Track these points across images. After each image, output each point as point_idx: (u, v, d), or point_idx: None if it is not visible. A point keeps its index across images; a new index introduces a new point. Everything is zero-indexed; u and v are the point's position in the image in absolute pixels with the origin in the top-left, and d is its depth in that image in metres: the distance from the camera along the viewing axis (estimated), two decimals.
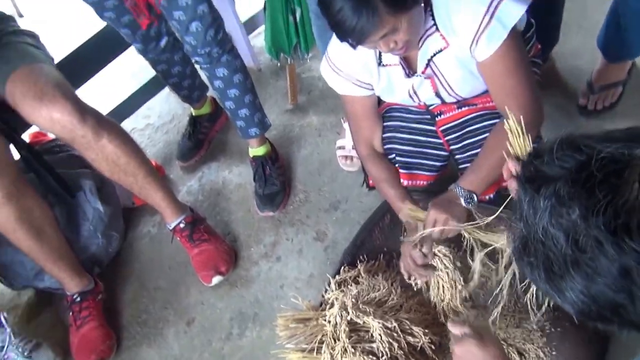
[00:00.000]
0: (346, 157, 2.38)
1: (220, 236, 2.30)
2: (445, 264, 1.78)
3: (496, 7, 1.47)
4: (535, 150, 0.87)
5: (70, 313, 2.17)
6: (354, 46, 1.48)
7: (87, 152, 1.98)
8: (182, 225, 2.21)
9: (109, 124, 2.01)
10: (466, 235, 1.72)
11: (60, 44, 2.61)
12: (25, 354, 2.05)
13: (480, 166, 1.66)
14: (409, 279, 1.84)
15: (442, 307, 1.83)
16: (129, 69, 3.06)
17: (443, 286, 1.81)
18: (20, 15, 3.98)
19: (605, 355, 1.70)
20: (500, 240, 1.73)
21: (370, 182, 2.00)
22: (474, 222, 1.61)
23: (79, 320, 2.14)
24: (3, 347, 2.02)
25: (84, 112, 1.89)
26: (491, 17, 1.47)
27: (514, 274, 1.73)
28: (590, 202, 0.74)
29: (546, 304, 1.74)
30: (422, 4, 1.50)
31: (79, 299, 2.16)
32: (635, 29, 2.06)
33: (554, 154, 0.81)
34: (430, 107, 1.82)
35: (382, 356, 1.64)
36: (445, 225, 1.64)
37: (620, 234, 0.71)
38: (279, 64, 2.60)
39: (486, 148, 1.67)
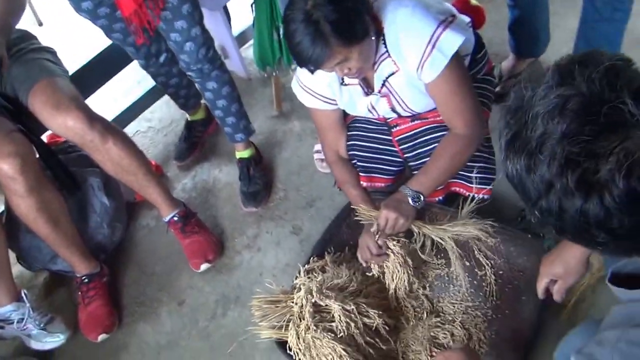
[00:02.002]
0: (322, 159, 2.58)
1: (208, 229, 2.53)
2: (396, 254, 1.99)
3: (437, 39, 1.66)
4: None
5: (79, 292, 2.38)
6: (312, 72, 1.68)
7: (95, 154, 2.22)
8: (176, 219, 2.45)
9: (114, 129, 2.25)
10: (415, 230, 1.95)
11: (77, 51, 2.86)
12: (41, 326, 2.27)
13: (429, 170, 1.86)
14: (367, 265, 2.06)
15: (396, 293, 2.03)
16: (134, 78, 3.27)
17: (396, 274, 2.01)
18: (40, 24, 4.13)
19: (536, 337, 1.90)
20: (446, 234, 1.96)
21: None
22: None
23: (86, 299, 2.36)
24: (23, 319, 2.25)
25: (93, 120, 2.14)
26: (433, 47, 1.66)
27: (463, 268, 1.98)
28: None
29: (492, 294, 2.00)
30: (373, 36, 1.69)
31: (87, 280, 2.37)
32: (605, 48, 2.31)
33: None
34: (388, 120, 2.02)
35: (340, 334, 1.81)
36: (395, 222, 1.88)
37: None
38: (265, 75, 2.80)
39: (435, 155, 1.86)
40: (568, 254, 1.54)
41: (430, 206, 2.08)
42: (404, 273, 2.01)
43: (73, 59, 2.57)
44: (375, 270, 2.06)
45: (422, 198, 1.86)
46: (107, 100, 3.09)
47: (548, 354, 1.83)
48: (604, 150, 0.78)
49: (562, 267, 1.56)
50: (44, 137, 2.49)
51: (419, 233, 1.98)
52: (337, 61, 1.64)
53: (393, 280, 2.03)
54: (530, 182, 0.87)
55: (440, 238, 1.98)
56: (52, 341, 2.31)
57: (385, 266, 2.03)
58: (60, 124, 2.11)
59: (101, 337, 2.32)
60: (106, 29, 2.29)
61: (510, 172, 0.91)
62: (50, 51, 2.34)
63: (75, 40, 3.36)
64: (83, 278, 2.39)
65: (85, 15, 2.19)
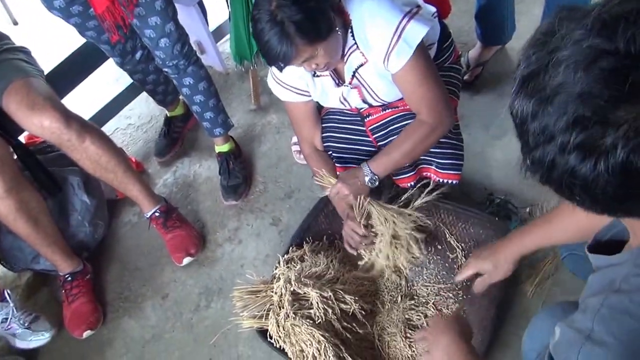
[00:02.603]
0: (300, 151, 2.56)
1: (190, 223, 2.56)
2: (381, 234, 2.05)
3: (403, 30, 1.69)
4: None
5: (63, 291, 2.40)
6: (280, 69, 1.73)
7: (73, 153, 2.22)
8: (157, 214, 2.48)
9: (91, 128, 2.25)
10: (365, 204, 1.99)
11: (53, 50, 2.86)
12: (26, 325, 2.29)
13: (391, 152, 1.90)
14: (357, 253, 2.11)
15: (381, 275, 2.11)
16: (113, 75, 3.29)
17: (385, 252, 2.06)
18: (15, 23, 4.13)
19: (504, 314, 1.97)
20: (389, 220, 2.02)
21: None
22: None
23: (70, 296, 2.38)
24: (7, 319, 2.27)
25: (69, 119, 2.13)
26: (399, 38, 1.69)
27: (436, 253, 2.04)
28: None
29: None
30: (340, 32, 1.73)
31: (70, 278, 2.40)
32: None
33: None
34: (361, 110, 2.05)
35: (318, 320, 1.87)
36: (345, 198, 1.96)
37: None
38: (243, 69, 2.82)
39: (399, 138, 1.90)
40: (500, 254, 1.65)
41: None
42: (392, 249, 2.07)
43: (49, 58, 2.56)
44: (367, 257, 2.11)
45: (376, 180, 1.92)
46: (86, 99, 3.08)
47: (514, 329, 1.95)
48: (616, 119, 0.75)
49: (492, 264, 1.67)
50: (22, 138, 2.50)
51: (365, 209, 2.02)
52: (304, 59, 1.68)
53: (388, 258, 2.08)
54: (532, 128, 0.84)
55: (382, 220, 2.03)
56: (37, 340, 2.33)
57: (374, 248, 2.08)
58: (36, 124, 2.10)
59: (86, 333, 2.34)
60: (79, 27, 2.29)
61: (516, 110, 0.87)
62: (24, 51, 2.33)
63: (52, 39, 3.36)
64: (66, 276, 2.41)
65: (57, 13, 2.19)
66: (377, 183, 1.92)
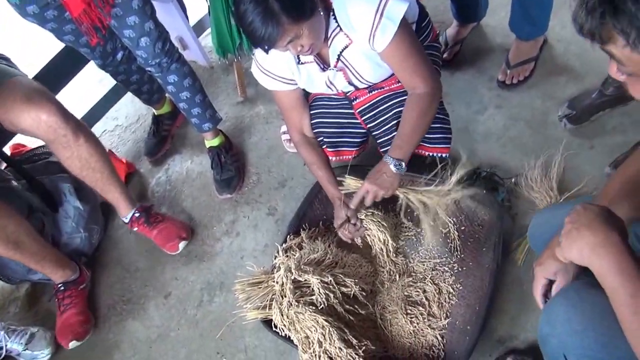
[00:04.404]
0: (289, 140, 2.61)
1: (170, 215, 2.57)
2: (373, 223, 2.11)
3: (384, 7, 1.70)
4: None
5: (56, 300, 2.41)
6: (266, 51, 1.70)
7: (64, 151, 2.19)
8: (137, 215, 2.48)
9: (85, 127, 2.24)
10: (401, 196, 1.99)
11: (32, 57, 2.86)
12: (24, 347, 2.30)
13: (402, 134, 1.89)
14: (352, 241, 2.15)
15: (378, 256, 2.14)
16: (96, 77, 3.27)
17: (376, 239, 2.12)
18: None
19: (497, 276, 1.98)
20: (426, 197, 2.01)
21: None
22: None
23: (62, 306, 2.38)
24: (1, 347, 2.29)
25: (67, 114, 2.12)
26: (381, 16, 1.70)
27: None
28: None
29: (456, 249, 2.09)
30: (322, 12, 1.73)
31: (63, 288, 2.39)
32: (536, 8, 2.35)
33: None
34: (347, 94, 2.06)
35: (320, 305, 1.89)
36: (375, 194, 1.92)
37: None
38: (227, 62, 2.78)
39: (403, 118, 1.89)
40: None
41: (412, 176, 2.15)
42: (383, 235, 2.12)
43: (29, 64, 2.53)
44: (359, 243, 2.17)
45: (403, 165, 1.89)
46: (70, 103, 2.96)
47: (507, 296, 2.00)
48: None
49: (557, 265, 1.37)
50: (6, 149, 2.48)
51: (404, 199, 2.02)
52: (289, 39, 1.67)
53: (377, 242, 2.13)
54: None
55: (423, 203, 2.02)
56: (38, 356, 2.35)
57: (367, 235, 2.13)
58: (33, 117, 2.04)
59: (72, 344, 2.33)
60: (56, 32, 2.26)
61: None
62: (5, 58, 2.29)
63: (30, 47, 3.33)
64: (59, 286, 2.41)
65: (32, 19, 2.16)
66: (404, 167, 1.89)
